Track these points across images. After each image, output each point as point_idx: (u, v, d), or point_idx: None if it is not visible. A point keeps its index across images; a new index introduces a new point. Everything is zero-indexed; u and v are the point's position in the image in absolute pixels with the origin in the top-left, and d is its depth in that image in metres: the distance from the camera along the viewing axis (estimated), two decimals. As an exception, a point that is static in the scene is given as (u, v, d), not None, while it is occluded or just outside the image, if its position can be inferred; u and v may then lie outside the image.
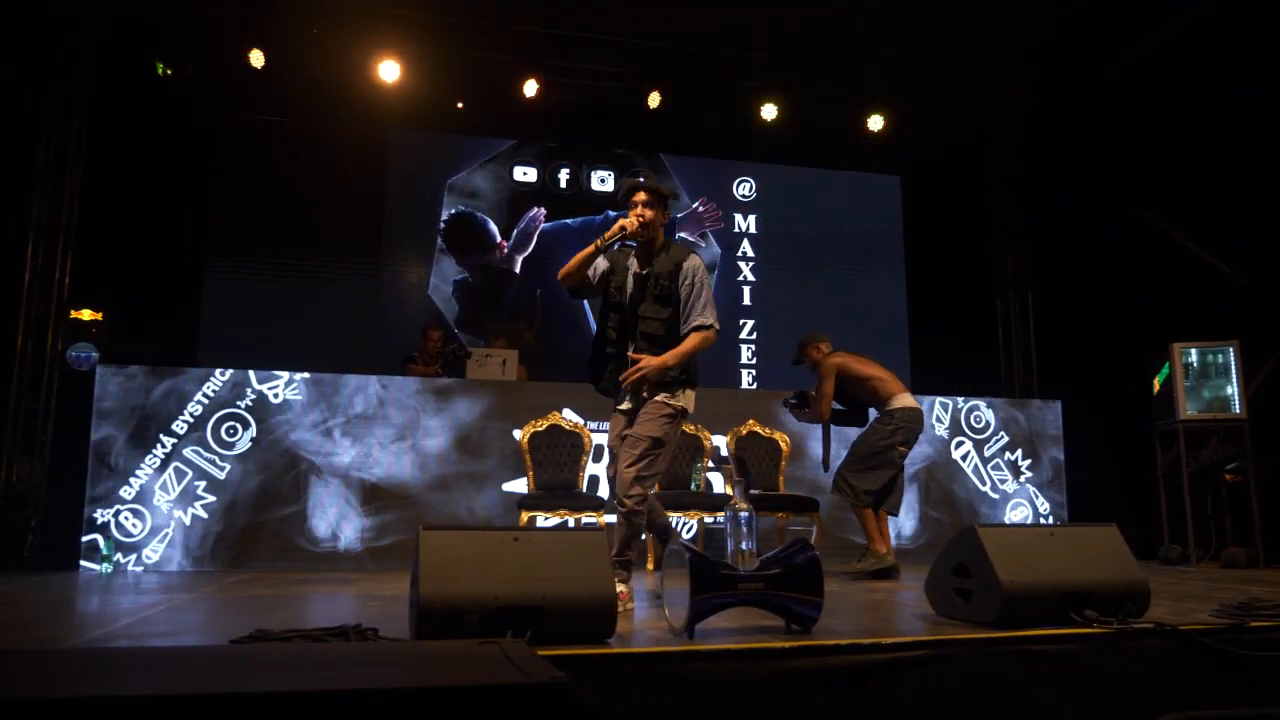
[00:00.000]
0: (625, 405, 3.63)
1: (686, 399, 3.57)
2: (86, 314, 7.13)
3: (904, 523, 6.39)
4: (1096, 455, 7.23)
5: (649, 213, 3.55)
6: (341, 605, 3.50)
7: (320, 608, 3.41)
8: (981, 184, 9.41)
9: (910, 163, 9.47)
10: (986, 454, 6.65)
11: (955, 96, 8.97)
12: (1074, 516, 6.71)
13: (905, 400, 5.15)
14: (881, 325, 9.29)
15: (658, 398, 3.51)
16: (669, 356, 3.49)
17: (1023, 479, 6.69)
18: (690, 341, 3.54)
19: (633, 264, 3.68)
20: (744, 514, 2.73)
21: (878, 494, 5.03)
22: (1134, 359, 6.86)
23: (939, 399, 6.66)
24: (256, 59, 7.75)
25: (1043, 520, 6.62)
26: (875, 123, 8.88)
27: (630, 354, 3.53)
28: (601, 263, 3.67)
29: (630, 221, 3.53)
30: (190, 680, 1.80)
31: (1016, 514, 6.63)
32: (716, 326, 3.58)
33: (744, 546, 2.73)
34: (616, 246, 3.60)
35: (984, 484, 6.61)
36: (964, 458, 6.60)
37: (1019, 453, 6.72)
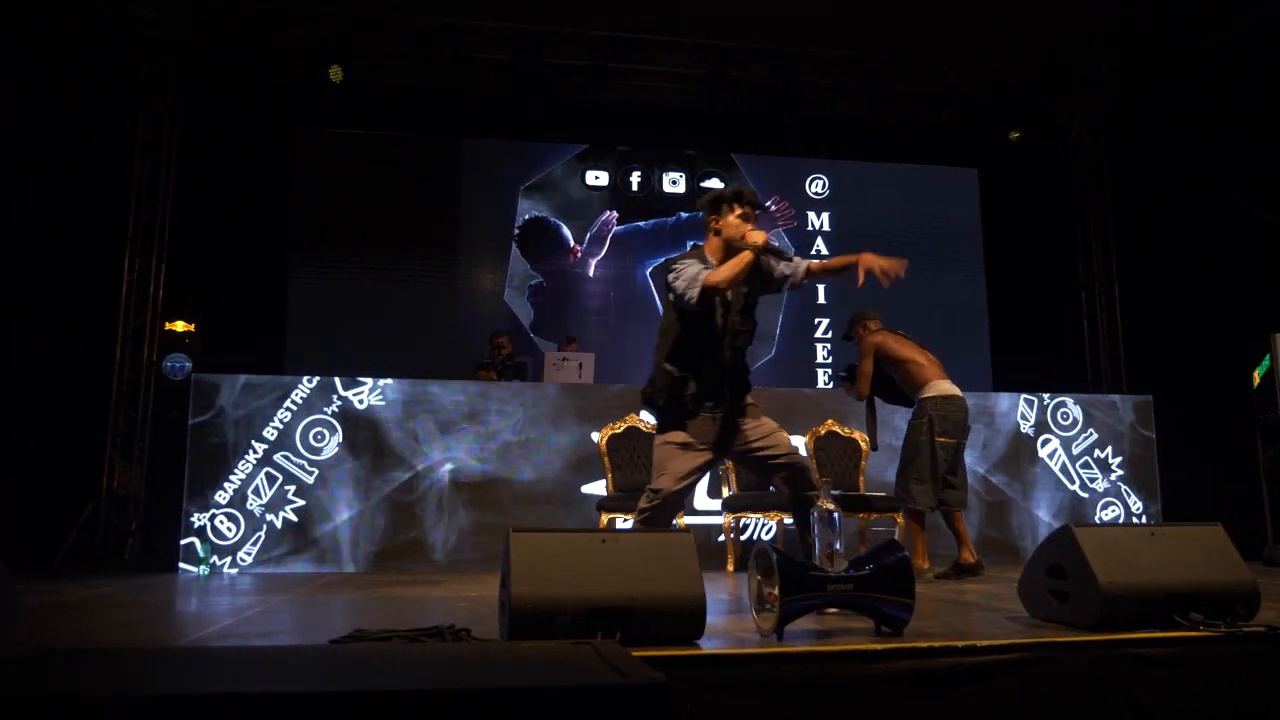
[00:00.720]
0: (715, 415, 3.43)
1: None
2: (180, 325, 7.41)
3: (990, 522, 6.24)
4: (1192, 452, 6.96)
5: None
6: (432, 606, 3.57)
7: (412, 608, 3.48)
8: (1064, 174, 9.17)
9: (988, 155, 9.27)
10: (1075, 452, 6.46)
11: (1034, 85, 8.76)
12: (1169, 515, 6.47)
13: (940, 388, 4.84)
14: (961, 322, 9.12)
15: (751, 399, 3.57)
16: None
17: (1114, 477, 6.48)
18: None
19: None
20: (833, 514, 2.70)
21: (933, 495, 4.77)
22: (1230, 351, 6.60)
23: (1024, 395, 6.49)
24: (336, 74, 7.96)
25: (1135, 519, 6.40)
26: (951, 115, 8.71)
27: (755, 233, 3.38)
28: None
29: (763, 234, 3.40)
30: (294, 679, 1.85)
31: (1107, 513, 6.42)
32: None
33: (834, 547, 2.69)
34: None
35: (1073, 482, 6.42)
36: (1051, 455, 6.42)
37: (1109, 450, 6.51)
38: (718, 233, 3.48)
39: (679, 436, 3.37)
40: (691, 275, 3.31)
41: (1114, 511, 6.43)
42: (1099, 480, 6.46)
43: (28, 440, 6.64)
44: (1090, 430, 6.51)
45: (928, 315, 9.04)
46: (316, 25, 7.92)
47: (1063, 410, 6.50)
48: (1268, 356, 6.06)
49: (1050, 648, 2.57)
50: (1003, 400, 6.51)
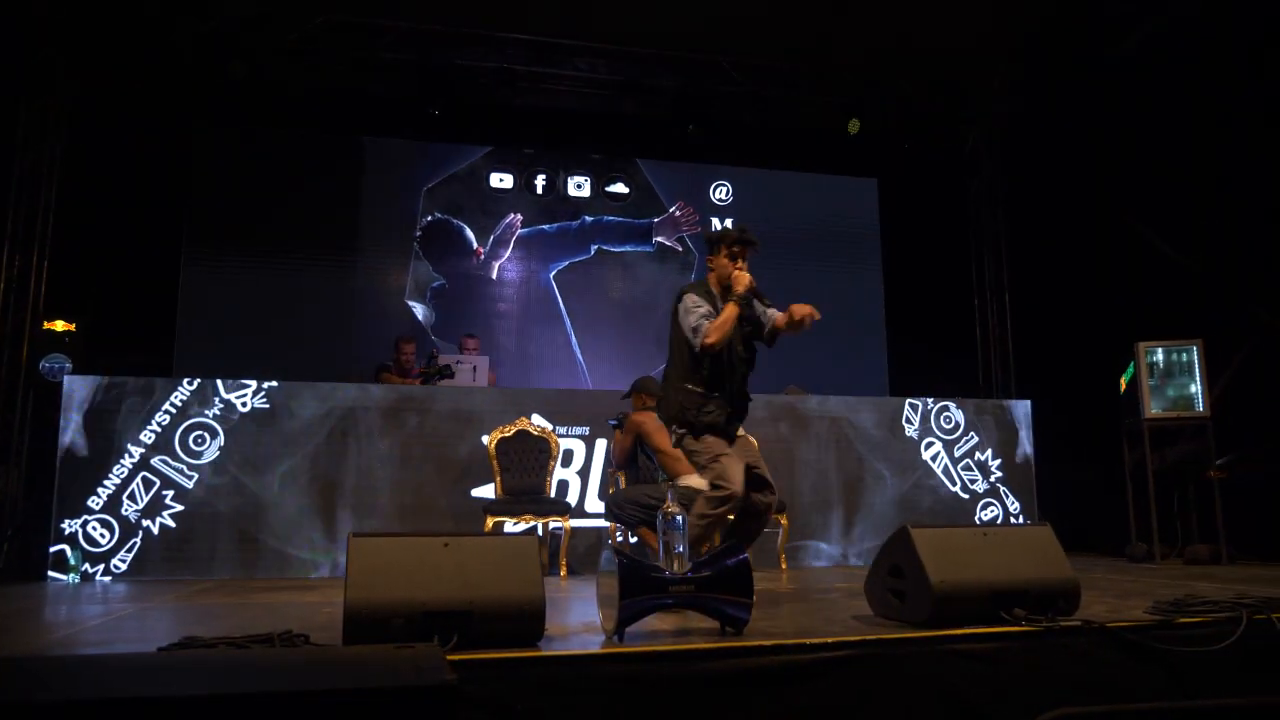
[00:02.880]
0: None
1: None
2: (60, 324, 7.16)
3: (871, 525, 6.42)
4: (1067, 454, 7.27)
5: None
6: (292, 612, 3.53)
7: (269, 615, 3.44)
8: (960, 185, 9.46)
9: (888, 165, 9.52)
10: (956, 454, 6.68)
11: (933, 98, 9.02)
12: (1044, 516, 6.74)
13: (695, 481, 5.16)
14: (859, 327, 9.36)
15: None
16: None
17: (993, 479, 6.73)
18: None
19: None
20: (676, 518, 2.77)
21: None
22: (1104, 358, 6.91)
23: (909, 400, 6.70)
24: (236, 70, 7.79)
25: (1013, 520, 6.65)
26: (852, 125, 8.92)
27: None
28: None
29: (750, 279, 3.83)
30: (103, 686, 1.83)
31: (987, 514, 6.66)
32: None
33: (677, 549, 2.75)
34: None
35: (954, 484, 6.64)
36: (934, 458, 6.64)
37: (989, 453, 6.75)
38: (712, 270, 3.98)
39: (722, 445, 3.83)
40: (693, 324, 3.83)
41: (993, 512, 6.67)
42: (979, 482, 6.69)
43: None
44: (971, 434, 6.74)
45: (827, 320, 9.23)
46: (215, 18, 7.74)
47: (945, 414, 6.72)
48: (1132, 364, 6.36)
49: (880, 645, 2.67)
50: (889, 404, 6.70)
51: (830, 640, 2.62)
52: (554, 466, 5.76)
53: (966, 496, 6.65)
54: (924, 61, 8.44)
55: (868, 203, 9.75)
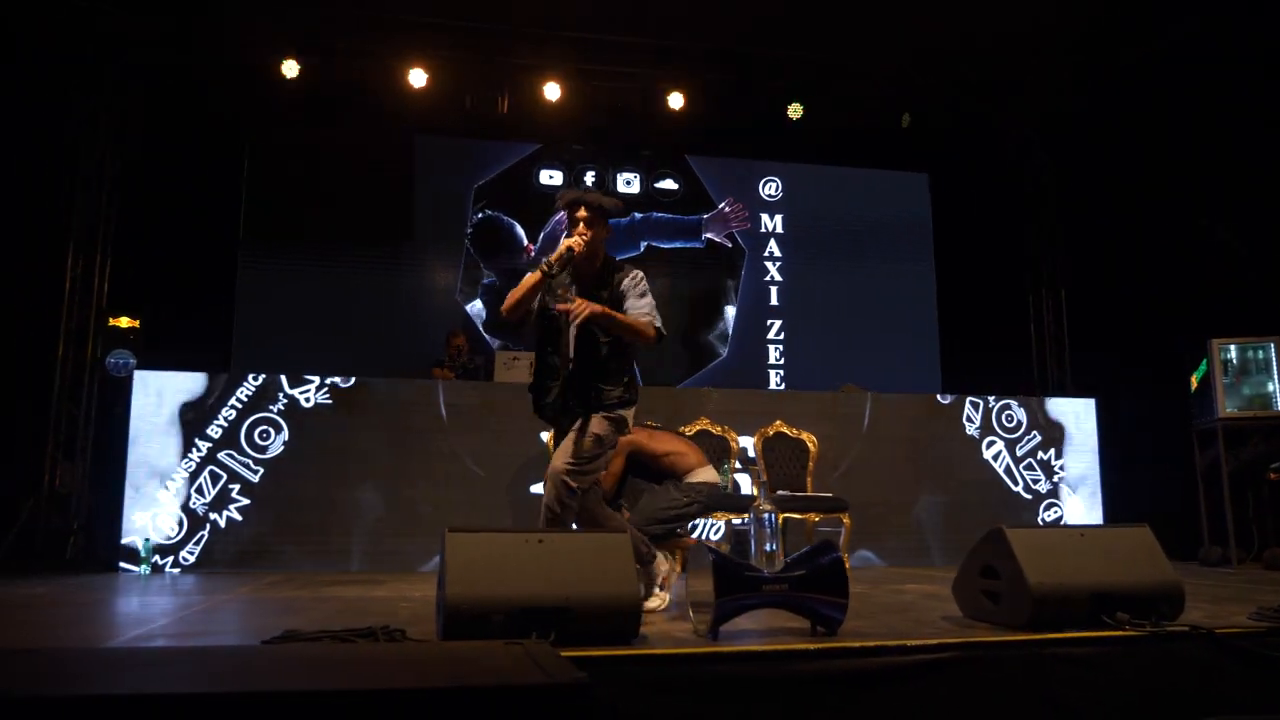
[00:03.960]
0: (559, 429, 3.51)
1: (628, 414, 3.50)
2: (124, 321, 7.27)
3: (932, 524, 6.34)
4: (1133, 455, 7.12)
5: (590, 231, 3.35)
6: (373, 607, 3.54)
7: (352, 609, 3.45)
8: (1013, 179, 9.32)
9: (939, 159, 9.40)
10: (1019, 454, 6.58)
11: (985, 91, 8.89)
12: (1110, 517, 6.62)
13: (705, 474, 4.86)
14: (910, 324, 9.25)
15: (598, 415, 3.38)
16: (611, 313, 3.31)
17: (1056, 479, 6.61)
18: (635, 320, 3.36)
19: (573, 286, 3.45)
20: (767, 515, 2.73)
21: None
22: (1171, 356, 6.76)
23: (969, 398, 6.60)
24: (289, 69, 7.87)
25: (1078, 521, 6.53)
26: (903, 119, 8.83)
27: (567, 308, 3.26)
28: None
29: (576, 242, 3.32)
30: (223, 679, 1.84)
31: (1050, 514, 6.55)
32: (661, 330, 3.42)
33: (768, 548, 2.72)
34: (562, 271, 3.36)
35: (1016, 484, 6.54)
36: (995, 458, 6.54)
37: (1051, 452, 6.64)
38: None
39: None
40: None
41: (1056, 513, 6.56)
42: (1042, 482, 6.58)
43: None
44: (1034, 433, 6.63)
45: (878, 317, 9.18)
46: (270, 19, 7.81)
47: (1007, 412, 6.62)
48: (1204, 361, 6.22)
49: (980, 647, 2.63)
50: (949, 403, 6.61)
51: (931, 642, 2.58)
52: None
53: (1029, 497, 6.55)
54: (975, 54, 8.31)
55: (920, 198, 9.63)
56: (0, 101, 6.74)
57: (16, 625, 3.02)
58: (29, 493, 6.66)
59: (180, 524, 5.45)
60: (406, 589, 4.36)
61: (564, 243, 3.33)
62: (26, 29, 6.95)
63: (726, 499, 4.95)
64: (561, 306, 3.29)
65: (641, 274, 3.52)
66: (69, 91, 7.40)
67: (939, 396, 6.69)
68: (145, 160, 7.73)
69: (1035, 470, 6.58)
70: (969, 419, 6.54)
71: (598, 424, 3.37)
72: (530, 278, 3.36)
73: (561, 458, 3.30)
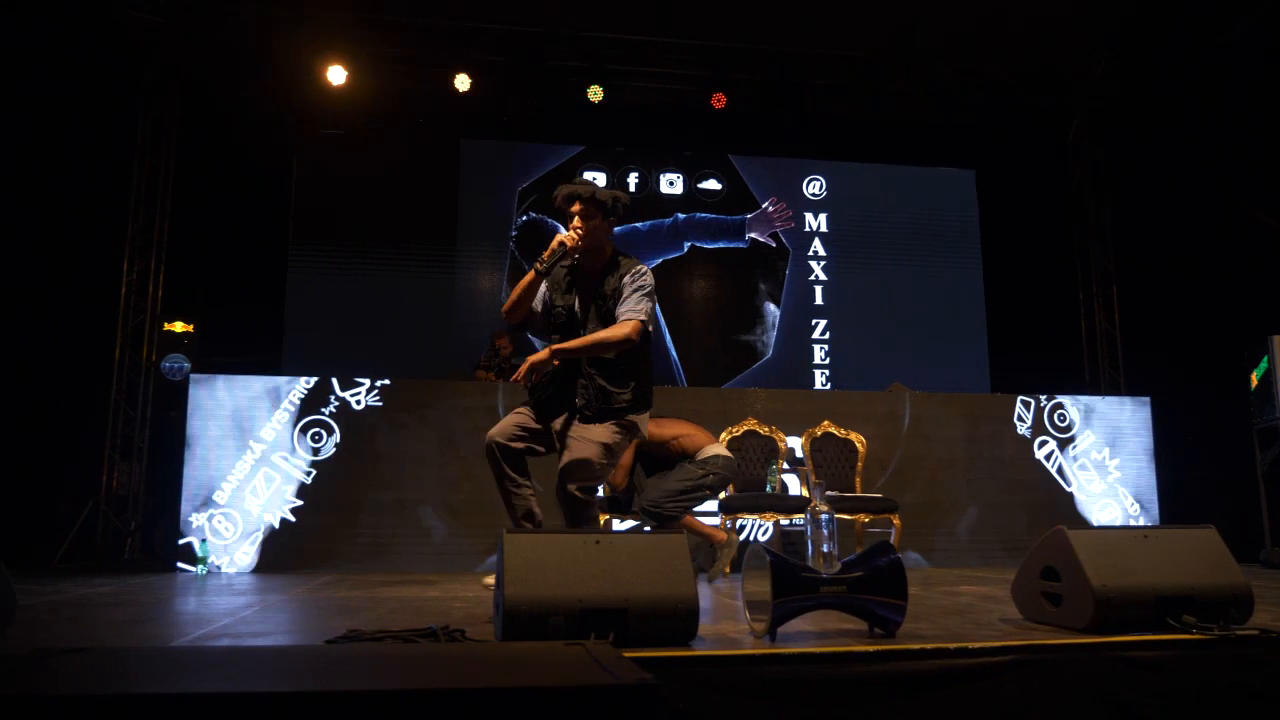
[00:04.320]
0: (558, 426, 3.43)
1: (640, 420, 3.43)
2: (179, 326, 7.43)
3: (983, 525, 6.26)
4: (1189, 454, 6.98)
5: (587, 224, 3.30)
6: (427, 607, 3.57)
7: (407, 610, 3.49)
8: (1061, 174, 9.19)
9: (985, 155, 9.29)
10: (1072, 453, 6.47)
11: (1031, 85, 8.77)
12: (1167, 518, 6.48)
13: (715, 449, 5.10)
14: (958, 322, 9.16)
15: (609, 423, 3.33)
16: (563, 347, 3.27)
17: (1111, 479, 6.49)
18: (603, 334, 3.27)
19: (571, 282, 3.45)
20: (824, 516, 2.71)
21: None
22: (1228, 353, 6.61)
23: (1020, 398, 6.50)
24: (336, 75, 7.98)
25: (1132, 522, 6.41)
26: (948, 116, 8.74)
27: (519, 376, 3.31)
28: (540, 288, 3.43)
29: (569, 236, 3.29)
30: (289, 679, 1.86)
31: (1105, 515, 6.43)
32: (647, 324, 3.28)
33: (825, 549, 2.70)
34: (559, 266, 3.34)
35: (1069, 485, 6.43)
36: (1048, 457, 6.44)
37: (1106, 452, 6.52)
38: None
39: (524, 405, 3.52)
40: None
41: (1111, 514, 6.44)
42: (1096, 482, 6.47)
43: (28, 441, 6.65)
44: (1087, 432, 6.52)
45: (924, 316, 9.09)
46: (316, 26, 7.93)
47: (1060, 412, 6.51)
48: (1265, 359, 6.07)
49: (1043, 650, 2.58)
50: (999, 402, 6.52)
51: (993, 644, 2.54)
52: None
53: (1083, 498, 6.43)
54: (1020, 47, 8.21)
55: (966, 195, 9.53)
56: (56, 113, 6.91)
57: (84, 623, 3.09)
58: (89, 494, 6.83)
59: (235, 525, 5.55)
60: (459, 589, 4.39)
61: (557, 237, 3.29)
62: (81, 41, 7.11)
63: (732, 476, 5.10)
64: (515, 377, 3.33)
65: (645, 270, 3.40)
66: (122, 102, 7.58)
67: (989, 396, 6.60)
68: (197, 167, 7.90)
69: (1089, 470, 6.47)
70: (1020, 418, 6.45)
71: (607, 433, 3.32)
72: (526, 277, 3.34)
73: (573, 472, 3.28)
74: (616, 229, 9.18)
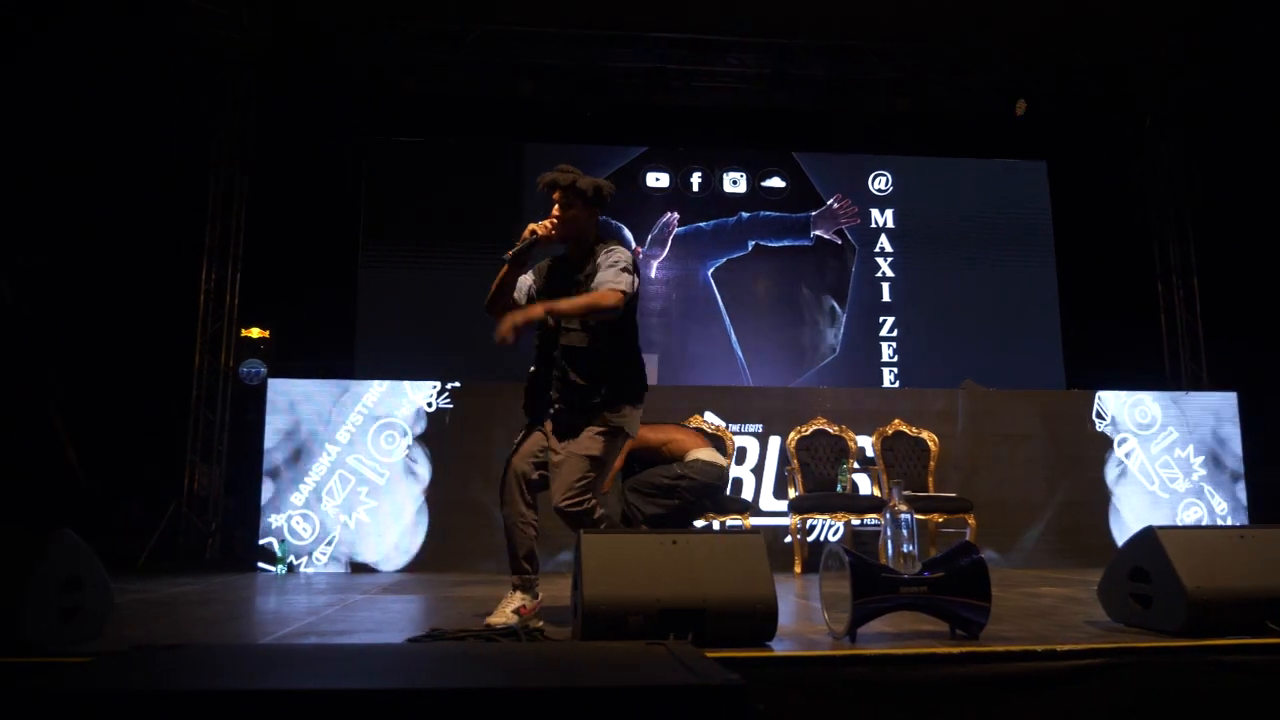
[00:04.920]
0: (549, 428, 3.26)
1: (624, 418, 3.18)
2: (255, 331, 7.62)
3: (1061, 525, 6.10)
4: (1277, 450, 6.72)
5: (565, 213, 3.16)
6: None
7: (483, 609, 3.53)
8: (1138, 163, 8.91)
9: (1057, 146, 9.05)
10: (1153, 451, 6.27)
11: (1103, 72, 8.53)
12: (1257, 517, 6.24)
13: (702, 454, 4.91)
14: (1032, 318, 8.93)
15: (590, 431, 3.13)
16: (559, 304, 3.09)
17: (1195, 477, 6.28)
18: (583, 300, 3.10)
19: (534, 273, 3.35)
20: (904, 516, 2.67)
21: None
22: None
23: (1099, 393, 6.33)
24: (405, 84, 8.14)
25: (1220, 521, 6.19)
26: (1019, 106, 8.54)
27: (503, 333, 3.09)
28: (526, 280, 3.31)
29: (542, 225, 3.15)
30: (375, 676, 1.90)
31: (1189, 514, 6.22)
32: (626, 291, 3.09)
33: (905, 549, 2.66)
34: (527, 255, 3.19)
35: (1151, 483, 6.24)
36: (1128, 455, 6.25)
37: (1190, 449, 6.30)
38: None
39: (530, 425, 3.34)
40: None
41: (1196, 513, 6.23)
42: (1180, 480, 6.26)
43: (112, 443, 6.89)
44: (1169, 428, 6.31)
45: (996, 311, 8.89)
46: (382, 37, 8.08)
47: (1140, 408, 6.32)
48: (1360, 351, 5.81)
49: (1134, 653, 2.51)
50: (1076, 398, 6.35)
51: (1081, 647, 2.48)
52: (730, 464, 5.71)
53: (1166, 495, 6.23)
54: (1090, 34, 7.97)
55: (1037, 186, 9.29)
56: (135, 123, 7.15)
57: (175, 621, 3.19)
58: (170, 496, 7.05)
59: (313, 525, 5.67)
60: (531, 589, 4.42)
61: (529, 226, 3.17)
62: (157, 53, 7.33)
63: (716, 483, 4.88)
64: (500, 334, 3.09)
65: (620, 248, 3.23)
66: (198, 115, 7.81)
67: (1066, 392, 6.43)
68: (271, 176, 8.10)
69: (1172, 468, 6.26)
70: (1099, 415, 6.27)
71: (590, 443, 3.10)
72: (500, 271, 3.21)
73: (560, 493, 3.07)
74: (680, 228, 9.15)
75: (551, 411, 3.23)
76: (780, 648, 2.53)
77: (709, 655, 2.36)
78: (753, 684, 2.36)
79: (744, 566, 2.57)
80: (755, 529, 5.26)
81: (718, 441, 5.43)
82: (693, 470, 4.81)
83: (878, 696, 2.44)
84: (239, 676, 1.84)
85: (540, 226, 3.16)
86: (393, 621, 3.17)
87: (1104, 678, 2.49)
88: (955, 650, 2.45)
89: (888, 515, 2.70)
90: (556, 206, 3.18)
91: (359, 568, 5.63)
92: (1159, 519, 6.11)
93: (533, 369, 3.35)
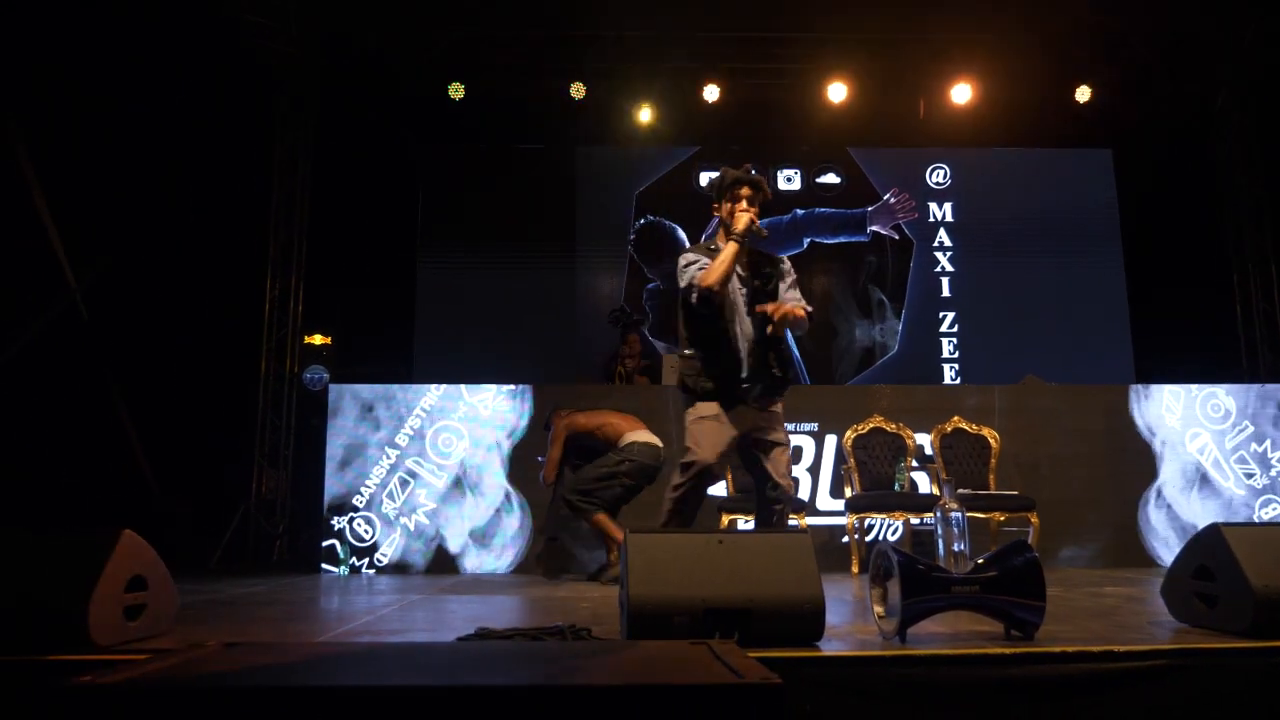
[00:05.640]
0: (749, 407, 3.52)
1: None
2: (317, 338, 7.80)
3: (1131, 523, 5.93)
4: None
5: (754, 210, 3.49)
6: (555, 607, 3.64)
7: (536, 609, 3.56)
8: (1208, 149, 8.62)
9: (1124, 133, 8.80)
10: (1228, 446, 6.06)
11: (1172, 55, 8.27)
12: (1339, 514, 5.99)
13: (637, 436, 5.07)
14: (1100, 312, 8.71)
15: (779, 405, 3.57)
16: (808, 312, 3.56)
17: (1274, 473, 6.05)
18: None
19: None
20: (954, 514, 2.63)
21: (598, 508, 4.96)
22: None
23: (1168, 387, 6.14)
24: (456, 91, 8.26)
25: (1299, 518, 5.95)
26: (1081, 94, 8.34)
27: (774, 308, 3.43)
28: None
29: (754, 218, 3.47)
30: (424, 673, 1.93)
31: (1267, 512, 5.99)
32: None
33: (956, 548, 2.62)
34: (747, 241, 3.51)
35: (1227, 479, 6.03)
36: (1201, 450, 6.05)
37: (1267, 444, 6.08)
38: (721, 223, 3.62)
39: (711, 409, 3.49)
40: (688, 276, 3.50)
41: (1274, 510, 6.00)
42: (1257, 476, 6.04)
43: (183, 448, 7.12)
44: (1245, 423, 6.09)
45: (1060, 304, 8.69)
46: (430, 45, 8.22)
47: (1213, 402, 6.11)
48: None
49: (1198, 655, 2.44)
50: (1146, 392, 6.17)
51: (1141, 649, 2.41)
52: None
53: (1242, 492, 6.01)
54: (1158, 15, 7.73)
55: (1103, 176, 9.06)
56: (200, 139, 7.36)
57: (238, 620, 3.28)
58: (240, 499, 7.26)
59: (374, 527, 5.79)
60: (585, 590, 4.46)
61: (742, 217, 3.42)
62: (217, 70, 7.53)
63: (654, 464, 5.02)
64: (768, 307, 3.41)
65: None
66: (258, 129, 8.02)
67: (1135, 387, 6.25)
68: (330, 187, 8.29)
69: (1248, 463, 6.04)
70: (1169, 409, 6.08)
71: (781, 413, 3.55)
72: (731, 248, 3.43)
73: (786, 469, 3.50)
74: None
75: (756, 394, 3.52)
76: (828, 648, 2.51)
77: (755, 655, 2.36)
78: (799, 684, 2.36)
79: (791, 566, 2.55)
80: (804, 528, 5.23)
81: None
82: (631, 453, 5.02)
83: (927, 698, 2.40)
84: (286, 673, 1.90)
85: (755, 221, 3.47)
86: (446, 621, 3.22)
87: (1165, 680, 2.42)
88: (1007, 651, 2.40)
89: (938, 513, 2.66)
90: (745, 201, 3.48)
91: (419, 568, 5.73)
92: (1235, 517, 5.91)
93: (723, 357, 3.52)
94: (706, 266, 3.46)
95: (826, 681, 2.36)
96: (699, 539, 2.63)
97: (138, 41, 6.66)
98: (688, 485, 3.46)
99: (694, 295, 3.46)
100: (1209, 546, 2.73)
